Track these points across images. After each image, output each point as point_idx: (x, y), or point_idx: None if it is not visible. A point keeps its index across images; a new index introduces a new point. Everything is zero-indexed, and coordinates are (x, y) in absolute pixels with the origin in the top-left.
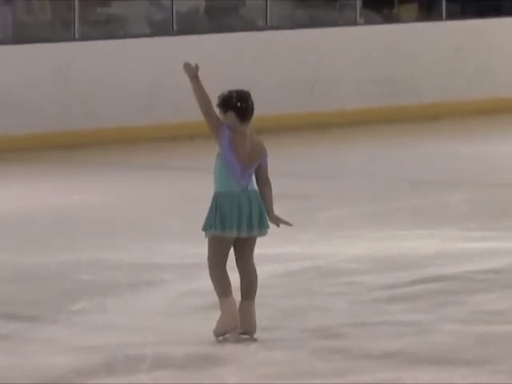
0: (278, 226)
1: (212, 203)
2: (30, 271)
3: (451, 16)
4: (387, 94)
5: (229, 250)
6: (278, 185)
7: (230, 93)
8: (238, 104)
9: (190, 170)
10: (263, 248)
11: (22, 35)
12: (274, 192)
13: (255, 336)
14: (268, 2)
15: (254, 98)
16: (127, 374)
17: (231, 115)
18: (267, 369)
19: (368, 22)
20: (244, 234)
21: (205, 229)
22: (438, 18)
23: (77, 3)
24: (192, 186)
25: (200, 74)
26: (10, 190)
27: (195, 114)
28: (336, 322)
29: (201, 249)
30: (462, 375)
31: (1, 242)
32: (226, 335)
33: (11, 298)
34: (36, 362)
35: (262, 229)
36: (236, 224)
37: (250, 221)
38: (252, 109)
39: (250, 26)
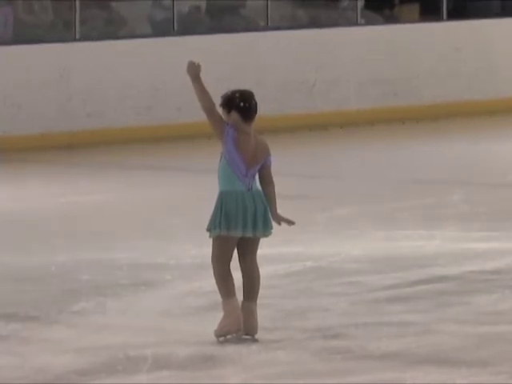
0: (280, 224)
1: (217, 203)
2: (30, 271)
3: (452, 16)
4: (388, 95)
5: (233, 249)
6: (279, 185)
7: (233, 93)
8: (241, 104)
9: (191, 170)
10: (264, 248)
11: (22, 35)
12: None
13: (256, 336)
14: (269, 3)
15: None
16: (128, 374)
17: (234, 115)
18: (268, 369)
19: (369, 22)
20: (249, 234)
21: (209, 229)
22: (439, 18)
23: (78, 4)
24: (192, 186)
25: (201, 74)
26: (10, 190)
27: (196, 115)
28: (337, 323)
29: (202, 249)
30: (462, 376)
31: (1, 242)
32: (228, 336)
33: (11, 299)
34: (36, 363)
35: (267, 230)
36: (241, 223)
37: (255, 221)
38: (255, 109)
39: (250, 27)
